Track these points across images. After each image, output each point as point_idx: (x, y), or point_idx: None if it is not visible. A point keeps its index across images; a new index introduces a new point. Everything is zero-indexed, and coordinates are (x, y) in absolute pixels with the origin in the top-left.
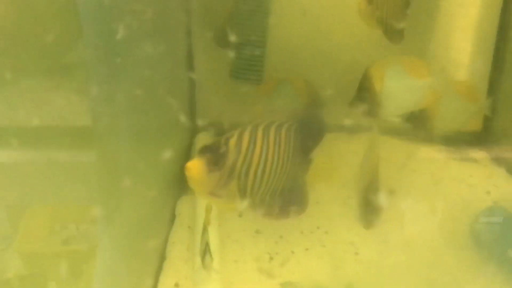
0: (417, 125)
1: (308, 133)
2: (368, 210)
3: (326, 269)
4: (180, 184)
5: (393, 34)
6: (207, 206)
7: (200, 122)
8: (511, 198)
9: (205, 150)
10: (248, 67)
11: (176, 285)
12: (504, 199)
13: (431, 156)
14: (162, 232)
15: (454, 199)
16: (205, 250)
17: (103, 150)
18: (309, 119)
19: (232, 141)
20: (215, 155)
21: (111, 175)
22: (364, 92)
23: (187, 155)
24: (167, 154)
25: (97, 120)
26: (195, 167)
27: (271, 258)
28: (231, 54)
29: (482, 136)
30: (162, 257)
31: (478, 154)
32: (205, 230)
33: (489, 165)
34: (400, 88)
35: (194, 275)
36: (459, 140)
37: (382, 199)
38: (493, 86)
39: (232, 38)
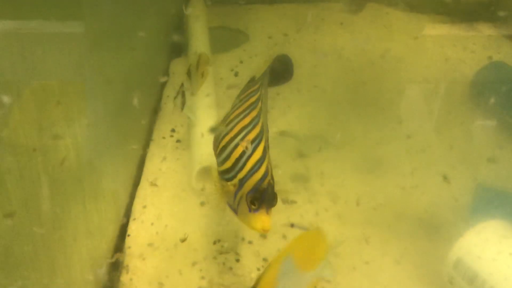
0: None
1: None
2: None
3: (321, 119)
4: (172, 47)
5: None
6: (202, 55)
7: None
8: None
9: (267, 199)
10: None
11: (173, 130)
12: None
13: (437, 27)
14: (156, 88)
15: (454, 63)
16: (180, 91)
17: (91, 18)
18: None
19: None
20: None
21: (101, 38)
22: None
23: (179, 20)
24: (159, 20)
25: None
26: (269, 223)
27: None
28: None
29: (489, 10)
30: (157, 109)
31: (484, 26)
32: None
33: (494, 36)
34: None
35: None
36: (466, 13)
37: None
38: None
39: None
